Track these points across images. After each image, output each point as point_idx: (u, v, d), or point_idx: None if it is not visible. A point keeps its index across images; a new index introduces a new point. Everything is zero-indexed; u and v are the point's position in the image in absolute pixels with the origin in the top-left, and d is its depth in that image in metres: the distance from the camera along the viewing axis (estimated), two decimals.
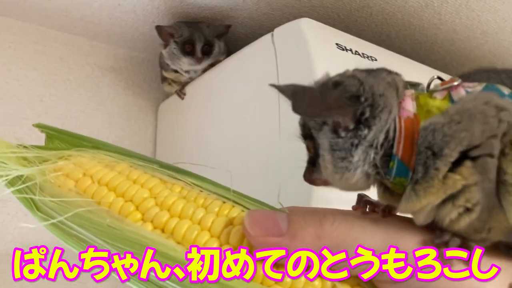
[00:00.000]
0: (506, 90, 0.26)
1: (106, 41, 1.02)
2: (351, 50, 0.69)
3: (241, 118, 0.76)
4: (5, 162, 0.29)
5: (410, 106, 0.27)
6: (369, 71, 0.29)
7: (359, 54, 0.70)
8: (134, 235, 0.27)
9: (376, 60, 0.72)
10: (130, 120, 1.02)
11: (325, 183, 0.30)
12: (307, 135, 0.30)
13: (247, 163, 0.73)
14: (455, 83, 0.27)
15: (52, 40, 0.96)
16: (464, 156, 0.24)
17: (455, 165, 0.24)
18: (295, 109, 0.26)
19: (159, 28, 0.86)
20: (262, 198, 0.65)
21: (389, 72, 0.30)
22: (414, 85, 0.29)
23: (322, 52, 0.66)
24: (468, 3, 0.84)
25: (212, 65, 0.89)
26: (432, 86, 0.29)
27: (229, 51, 0.92)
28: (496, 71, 0.29)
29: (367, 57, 0.71)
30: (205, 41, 0.86)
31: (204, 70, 0.89)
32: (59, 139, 0.34)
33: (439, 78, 0.29)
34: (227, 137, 0.79)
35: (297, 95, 0.26)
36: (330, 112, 0.26)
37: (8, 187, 0.29)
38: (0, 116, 0.87)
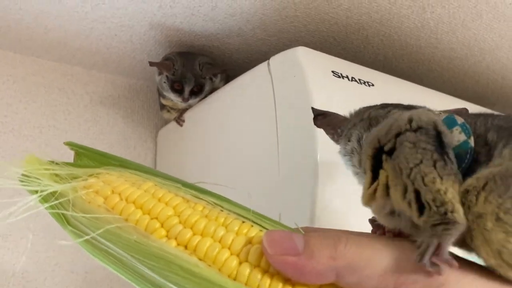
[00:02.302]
0: (459, 120, 0.31)
1: (104, 70, 1.02)
2: (347, 76, 0.69)
3: (240, 145, 0.76)
4: (39, 178, 0.31)
5: None
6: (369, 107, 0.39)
7: (355, 80, 0.70)
8: (159, 251, 0.28)
9: (373, 85, 0.72)
10: (130, 147, 1.02)
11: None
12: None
13: (246, 190, 0.73)
14: None
15: (50, 71, 0.97)
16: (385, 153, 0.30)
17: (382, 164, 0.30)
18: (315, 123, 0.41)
19: (151, 64, 0.87)
20: None
21: (384, 106, 0.38)
22: None
23: (318, 81, 0.65)
24: (464, 22, 0.84)
25: (210, 92, 0.89)
26: None
27: (227, 77, 0.93)
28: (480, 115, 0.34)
29: (364, 82, 0.71)
30: (195, 83, 0.86)
31: (203, 97, 0.89)
32: (88, 157, 0.36)
33: None
34: (227, 163, 0.79)
35: (322, 115, 0.41)
36: (327, 129, 0.41)
37: (42, 203, 0.31)
38: (0, 150, 0.87)
